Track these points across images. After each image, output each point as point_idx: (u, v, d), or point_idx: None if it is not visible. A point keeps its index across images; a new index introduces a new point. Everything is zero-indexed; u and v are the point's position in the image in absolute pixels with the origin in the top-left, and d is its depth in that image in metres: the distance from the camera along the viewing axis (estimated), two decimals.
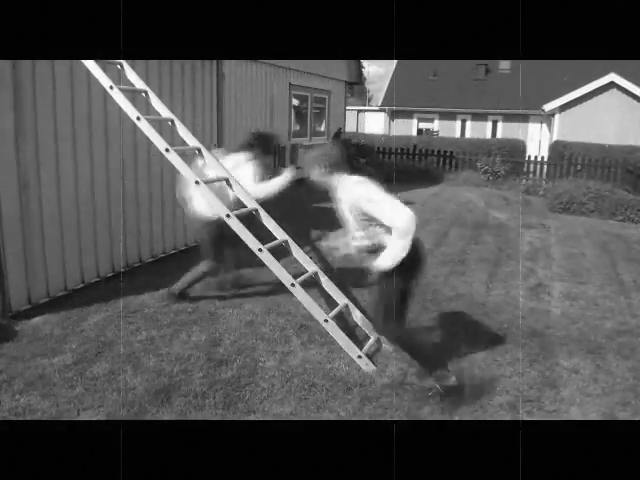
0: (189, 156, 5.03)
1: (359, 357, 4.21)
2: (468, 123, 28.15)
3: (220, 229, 4.91)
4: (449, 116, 28.26)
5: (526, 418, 3.61)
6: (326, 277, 4.91)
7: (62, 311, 5.02)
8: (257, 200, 5.02)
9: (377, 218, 3.57)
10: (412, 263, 3.66)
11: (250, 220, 4.85)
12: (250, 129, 11.88)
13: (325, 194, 3.98)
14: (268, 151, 5.41)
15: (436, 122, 28.67)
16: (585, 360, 4.45)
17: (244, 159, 5.23)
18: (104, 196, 5.83)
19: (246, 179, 5.07)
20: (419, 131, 28.66)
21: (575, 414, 3.66)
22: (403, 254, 3.53)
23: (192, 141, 5.08)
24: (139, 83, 5.12)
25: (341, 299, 4.83)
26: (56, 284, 5.31)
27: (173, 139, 5.13)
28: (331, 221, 4.34)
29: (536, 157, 18.11)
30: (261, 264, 4.60)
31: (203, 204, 4.98)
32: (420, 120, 28.95)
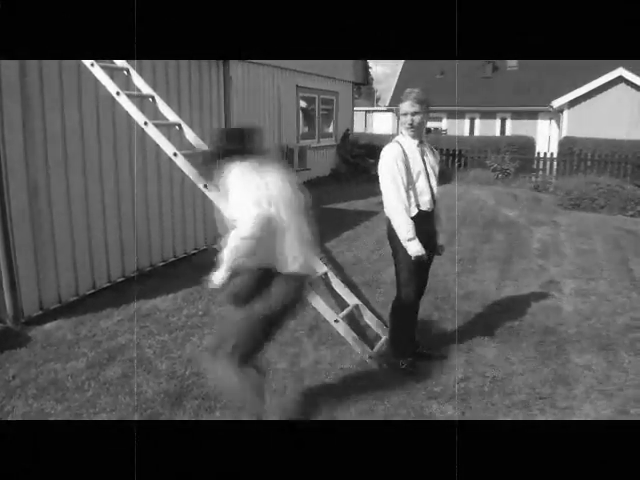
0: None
1: (370, 357, 4.21)
2: (477, 121, 28.04)
3: None
4: (457, 115, 28.16)
5: (539, 416, 3.59)
6: (336, 278, 4.91)
7: (74, 316, 5.06)
8: None
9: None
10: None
11: None
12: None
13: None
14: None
15: (444, 121, 28.58)
16: (597, 357, 4.43)
17: None
18: (114, 200, 5.86)
19: None
20: (427, 130, 28.53)
21: (588, 411, 3.64)
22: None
23: (200, 145, 5.10)
24: (146, 88, 5.14)
25: (351, 300, 4.82)
26: (68, 289, 5.35)
27: (182, 142, 5.14)
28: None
29: (545, 154, 18.02)
30: None
31: None
32: (428, 119, 28.83)
